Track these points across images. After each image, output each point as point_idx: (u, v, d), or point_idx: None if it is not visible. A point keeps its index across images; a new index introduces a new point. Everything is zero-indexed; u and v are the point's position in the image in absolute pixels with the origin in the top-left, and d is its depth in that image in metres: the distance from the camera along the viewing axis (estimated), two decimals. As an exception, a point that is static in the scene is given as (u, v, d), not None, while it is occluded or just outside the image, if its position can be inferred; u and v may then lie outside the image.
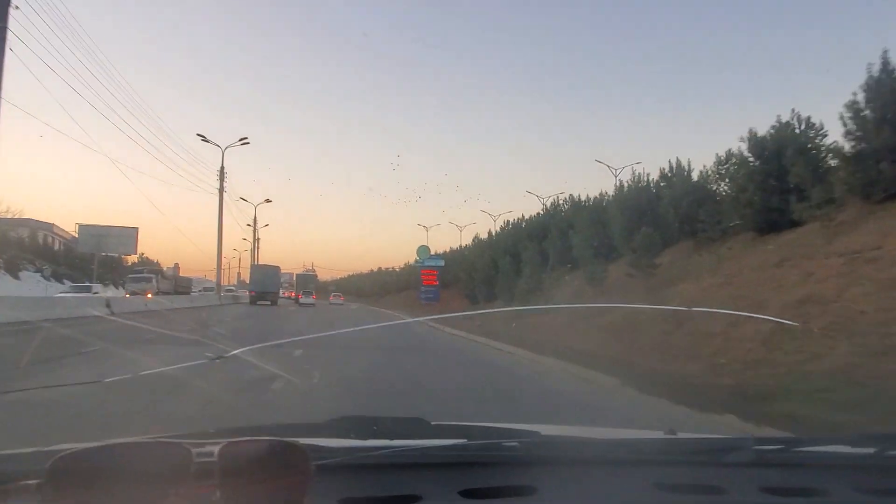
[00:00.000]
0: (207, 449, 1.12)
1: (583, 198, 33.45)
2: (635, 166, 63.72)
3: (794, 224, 15.61)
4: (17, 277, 49.97)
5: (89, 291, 35.55)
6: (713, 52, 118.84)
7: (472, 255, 41.44)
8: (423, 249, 48.77)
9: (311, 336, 14.98)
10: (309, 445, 1.31)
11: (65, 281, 60.09)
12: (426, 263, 47.78)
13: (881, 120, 12.74)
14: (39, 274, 53.60)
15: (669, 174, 24.57)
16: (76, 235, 54.84)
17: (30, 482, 1.22)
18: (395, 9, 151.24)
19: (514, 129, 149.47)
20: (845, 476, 1.53)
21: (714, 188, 20.44)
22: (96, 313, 23.10)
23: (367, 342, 14.72)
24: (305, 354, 11.63)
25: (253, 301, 49.74)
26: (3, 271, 47.52)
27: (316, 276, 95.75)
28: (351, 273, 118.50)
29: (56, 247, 69.71)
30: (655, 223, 21.25)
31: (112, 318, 21.69)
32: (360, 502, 1.33)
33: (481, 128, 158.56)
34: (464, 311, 34.44)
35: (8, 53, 16.78)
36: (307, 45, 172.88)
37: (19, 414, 5.17)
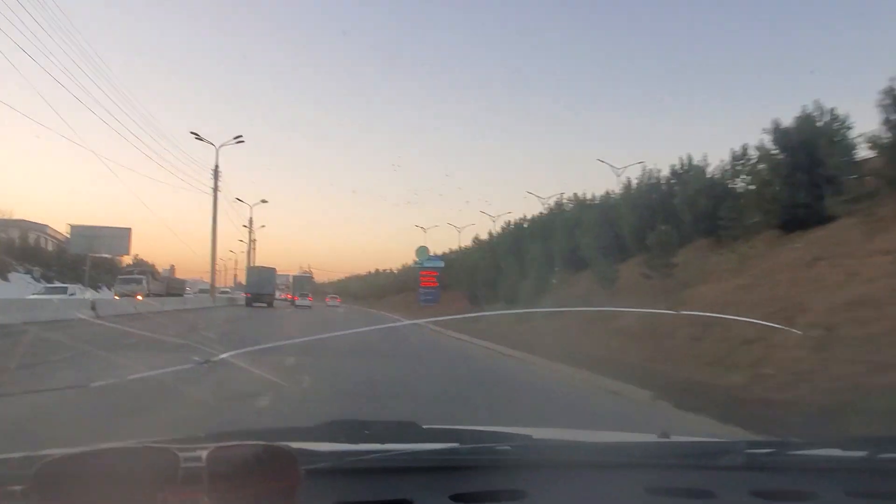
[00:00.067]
0: (195, 454, 1.13)
1: (587, 197, 32.49)
2: (641, 164, 62.77)
3: (824, 220, 14.57)
4: (6, 279, 48.95)
5: (65, 293, 34.19)
6: (713, 52, 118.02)
7: (473, 255, 40.32)
8: (421, 250, 47.65)
9: (304, 339, 13.86)
10: (299, 450, 1.34)
11: (55, 282, 59.28)
12: (425, 264, 46.69)
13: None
14: (29, 275, 52.57)
15: (681, 171, 23.58)
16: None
17: (15, 488, 1.19)
18: (394, 7, 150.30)
19: (513, 129, 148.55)
20: (837, 479, 1.53)
21: (730, 184, 19.37)
22: (80, 316, 22.01)
23: (365, 347, 13.64)
24: (299, 362, 10.56)
25: (248, 303, 48.94)
26: (-9, 273, 46.42)
27: (312, 277, 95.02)
28: (348, 275, 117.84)
29: (49, 248, 68.78)
30: (668, 221, 20.22)
31: (95, 321, 20.66)
32: None
33: (481, 128, 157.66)
34: (465, 313, 33.39)
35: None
36: (305, 43, 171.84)
37: (3, 419, 5.05)
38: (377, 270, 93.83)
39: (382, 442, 1.61)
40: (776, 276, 12.86)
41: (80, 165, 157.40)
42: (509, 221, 41.89)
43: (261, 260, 78.05)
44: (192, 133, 47.02)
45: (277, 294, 60.59)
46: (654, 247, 16.71)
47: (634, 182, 26.72)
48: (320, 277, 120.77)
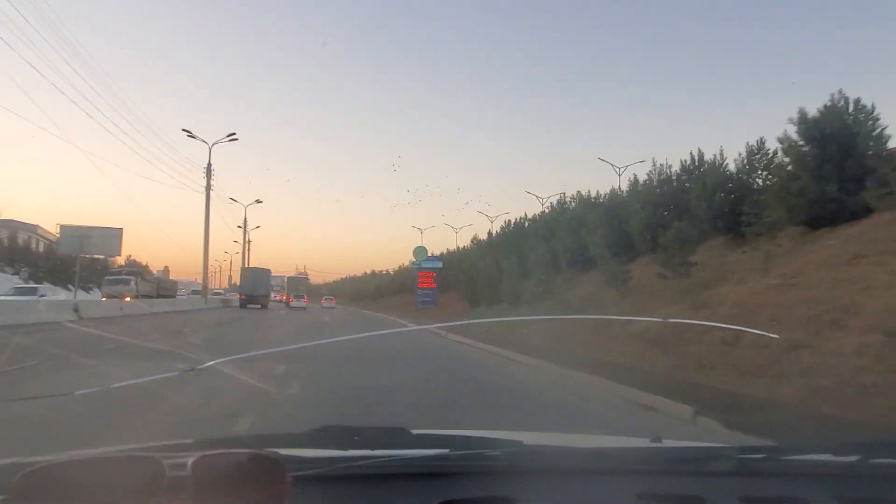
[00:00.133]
0: (180, 462, 1.12)
1: (591, 196, 31.43)
2: (643, 162, 61.94)
3: (854, 216, 13.55)
4: (-9, 279, 47.77)
5: (35, 294, 32.82)
6: (710, 51, 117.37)
7: (473, 256, 39.22)
8: (419, 250, 46.53)
9: (297, 346, 12.78)
10: (287, 456, 1.37)
11: (45, 283, 58.12)
12: (423, 265, 45.59)
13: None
14: (17, 276, 51.35)
15: (691, 167, 22.53)
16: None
17: None
18: (393, 6, 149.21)
19: (511, 129, 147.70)
20: (828, 485, 1.52)
21: (748, 179, 18.33)
22: (62, 319, 20.89)
23: (363, 354, 12.58)
24: (289, 372, 9.53)
25: (243, 304, 48.16)
26: (-25, 273, 45.18)
27: (308, 279, 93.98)
28: (344, 276, 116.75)
29: (40, 249, 67.65)
30: (681, 218, 19.19)
31: (75, 325, 19.53)
32: None
33: (480, 128, 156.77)
34: (465, 315, 32.36)
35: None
36: (304, 42, 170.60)
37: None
38: (373, 271, 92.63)
39: (372, 448, 1.57)
40: (811, 275, 11.80)
41: (75, 166, 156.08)
42: (509, 221, 40.95)
43: (256, 261, 77.07)
44: (184, 130, 46.03)
45: (272, 295, 59.96)
46: (670, 245, 15.64)
47: (642, 179, 25.80)
48: (316, 279, 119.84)
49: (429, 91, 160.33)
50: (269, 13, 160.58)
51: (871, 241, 11.77)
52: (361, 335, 15.03)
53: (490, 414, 7.17)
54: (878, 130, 14.51)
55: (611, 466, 1.60)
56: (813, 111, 15.39)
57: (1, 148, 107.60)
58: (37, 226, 73.44)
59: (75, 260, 47.58)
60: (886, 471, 1.60)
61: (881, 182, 12.23)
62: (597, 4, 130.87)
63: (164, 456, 1.14)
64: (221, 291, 72.02)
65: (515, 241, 33.69)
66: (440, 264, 45.70)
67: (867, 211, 13.12)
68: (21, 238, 64.89)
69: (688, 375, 9.30)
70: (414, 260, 47.08)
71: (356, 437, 1.69)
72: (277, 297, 66.15)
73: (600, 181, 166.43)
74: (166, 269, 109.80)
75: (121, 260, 72.30)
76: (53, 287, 42.07)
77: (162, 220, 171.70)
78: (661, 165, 21.76)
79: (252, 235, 72.33)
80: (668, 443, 2.00)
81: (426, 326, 13.20)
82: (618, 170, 44.19)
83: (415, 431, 1.84)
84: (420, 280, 45.15)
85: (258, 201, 69.86)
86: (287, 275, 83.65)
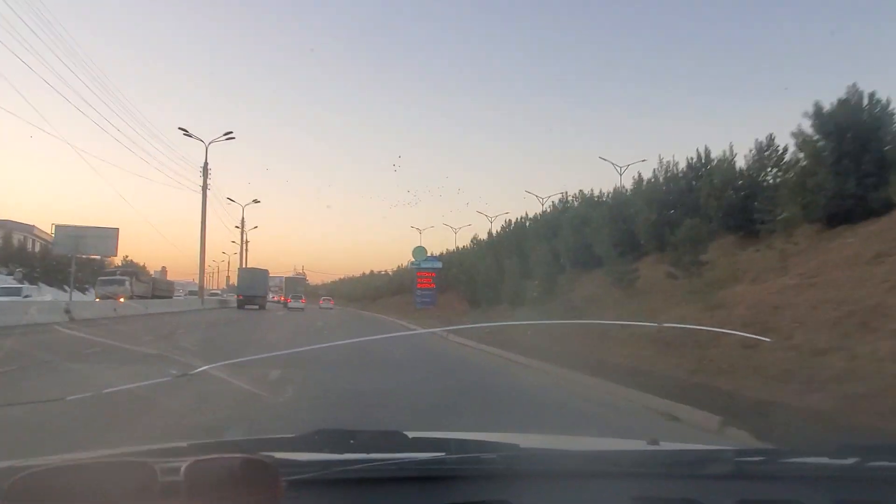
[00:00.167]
0: (173, 467, 1.12)
1: (594, 194, 30.91)
2: (644, 160, 61.53)
3: (873, 213, 13.04)
4: (-17, 280, 47.19)
5: (19, 294, 32.11)
6: (711, 51, 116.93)
7: (473, 256, 38.65)
8: (419, 250, 45.93)
9: (294, 350, 12.24)
10: (282, 460, 1.39)
11: (40, 284, 57.46)
12: (422, 265, 45.02)
13: None
14: (10, 277, 50.76)
15: (698, 164, 22.02)
16: (57, 237, 51.85)
17: None
18: (391, 6, 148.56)
19: (509, 129, 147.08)
20: (826, 488, 1.52)
21: (758, 176, 17.80)
22: (52, 320, 20.30)
23: (364, 359, 12.04)
24: (284, 377, 8.99)
25: (240, 305, 47.51)
26: (-31, 274, 44.57)
27: (306, 279, 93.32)
28: (342, 276, 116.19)
29: (36, 249, 67.09)
30: (688, 216, 18.68)
31: (66, 327, 18.95)
32: None
33: (480, 128, 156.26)
34: (465, 315, 31.79)
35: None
36: (302, 40, 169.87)
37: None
38: (371, 272, 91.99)
39: (368, 451, 1.57)
40: (832, 274, 11.27)
41: (72, 166, 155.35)
42: (509, 220, 40.42)
43: (254, 262, 76.75)
44: (180, 129, 45.33)
45: (270, 296, 59.47)
46: (680, 243, 15.09)
47: (646, 177, 25.31)
48: (314, 279, 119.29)
49: (428, 91, 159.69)
50: (268, 12, 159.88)
51: (892, 238, 11.26)
52: (361, 339, 14.47)
53: (502, 423, 6.62)
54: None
55: (607, 469, 1.57)
56: (821, 107, 14.92)
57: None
58: (33, 226, 72.78)
59: (71, 260, 47.14)
60: (884, 474, 1.58)
61: (882, 181, 11.69)
62: (595, 5, 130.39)
63: (158, 461, 1.15)
64: (218, 292, 71.38)
65: (516, 240, 33.16)
66: (439, 264, 45.14)
67: (887, 207, 12.61)
68: (17, 238, 64.36)
69: (708, 381, 8.74)
70: (413, 260, 46.51)
71: (351, 441, 1.67)
72: (275, 298, 65.81)
73: (600, 181, 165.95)
74: (164, 270, 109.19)
75: (117, 260, 71.91)
76: (39, 287, 41.38)
77: (159, 220, 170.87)
78: (668, 163, 21.20)
79: (250, 236, 71.96)
80: (664, 445, 1.99)
81: (433, 330, 12.53)
82: (619, 169, 43.68)
83: (411, 435, 1.79)
84: (419, 280, 44.58)
85: (256, 201, 69.24)
86: (285, 275, 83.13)
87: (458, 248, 53.85)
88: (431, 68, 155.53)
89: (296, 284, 67.92)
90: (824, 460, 1.66)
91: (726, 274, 15.35)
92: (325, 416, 6.69)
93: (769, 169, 17.82)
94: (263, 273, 54.07)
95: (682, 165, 22.48)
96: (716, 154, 19.77)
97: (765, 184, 17.47)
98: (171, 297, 49.69)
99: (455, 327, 18.99)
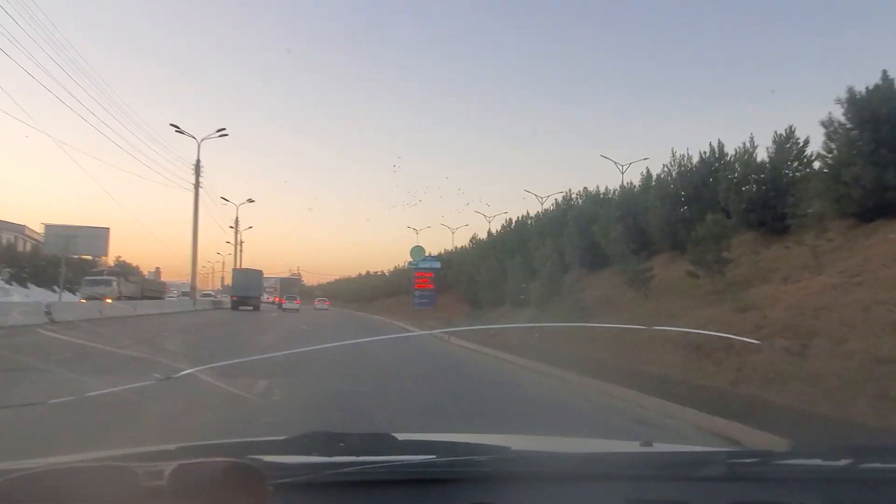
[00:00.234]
0: (157, 471, 1.10)
1: (600, 192, 29.84)
2: (646, 158, 60.70)
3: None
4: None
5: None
6: (709, 50, 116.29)
7: (474, 256, 37.52)
8: (417, 250, 44.82)
9: (285, 353, 11.16)
10: (270, 463, 1.38)
11: (29, 285, 56.23)
12: (421, 266, 43.93)
13: None
14: (-1, 278, 49.54)
15: (711, 158, 20.95)
16: (49, 237, 50.57)
17: None
18: (392, 5, 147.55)
19: (508, 128, 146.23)
20: (819, 489, 1.52)
21: (782, 169, 16.73)
22: (31, 322, 19.15)
23: (363, 366, 10.99)
24: (271, 388, 7.93)
25: (234, 306, 46.63)
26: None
27: (301, 280, 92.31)
28: (338, 277, 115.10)
29: (27, 249, 65.90)
30: (704, 213, 17.64)
31: (46, 329, 17.81)
32: None
33: (479, 128, 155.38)
34: (465, 317, 30.68)
35: None
36: (302, 40, 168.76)
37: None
38: (368, 273, 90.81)
39: (357, 454, 1.55)
40: (879, 272, 10.21)
41: (67, 166, 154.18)
42: (510, 219, 39.35)
43: (250, 263, 75.54)
44: (171, 125, 44.16)
45: (265, 297, 58.66)
46: (702, 240, 14.02)
47: (654, 173, 24.27)
48: (310, 280, 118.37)
49: (428, 91, 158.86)
50: (267, 11, 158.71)
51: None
52: (357, 341, 13.41)
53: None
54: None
55: (600, 472, 1.55)
56: (855, 93, 13.86)
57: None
58: (24, 226, 71.60)
59: (61, 260, 45.89)
60: (877, 475, 1.57)
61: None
62: (594, 5, 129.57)
63: (140, 465, 1.14)
64: (211, 293, 70.19)
65: (518, 240, 32.07)
66: (438, 265, 44.08)
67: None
68: (6, 238, 63.13)
69: (757, 393, 7.65)
70: (411, 260, 45.40)
71: (341, 444, 1.64)
72: (270, 299, 65.05)
73: (599, 181, 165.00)
74: (157, 271, 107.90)
75: (111, 261, 70.64)
76: (7, 286, 40.08)
77: (155, 221, 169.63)
78: (682, 156, 20.12)
79: (245, 236, 70.88)
80: (658, 447, 1.98)
81: (433, 332, 11.52)
82: (620, 167, 42.76)
83: (401, 437, 1.71)
84: (417, 281, 43.52)
85: (250, 200, 67.90)
86: (280, 276, 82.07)
87: (456, 248, 52.80)
88: (431, 68, 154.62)
89: (291, 285, 67.11)
90: (818, 462, 1.65)
91: (751, 273, 14.29)
92: (315, 421, 6.34)
93: (791, 163, 16.75)
94: (258, 274, 53.33)
95: (695, 160, 21.45)
96: (731, 148, 18.62)
97: (787, 178, 16.41)
98: (162, 298, 48.46)
99: (461, 328, 17.80)
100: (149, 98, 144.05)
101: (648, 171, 25.14)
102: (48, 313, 21.48)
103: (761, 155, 16.55)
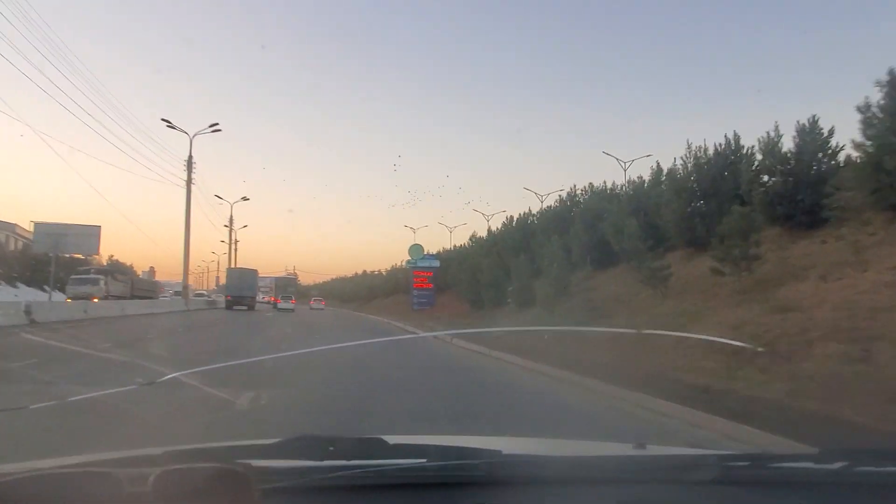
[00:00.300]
0: (141, 476, 1.09)
1: (607, 187, 28.75)
2: (649, 155, 59.82)
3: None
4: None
5: None
6: (708, 50, 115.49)
7: (475, 254, 36.44)
8: (415, 248, 43.72)
9: (275, 355, 10.09)
10: (259, 468, 1.34)
11: (18, 284, 55.02)
12: (419, 264, 42.85)
13: None
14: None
15: (727, 150, 19.89)
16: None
17: None
18: (393, 5, 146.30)
19: (506, 128, 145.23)
20: (811, 493, 1.52)
21: (811, 160, 15.66)
22: (8, 323, 18.00)
23: (365, 375, 9.91)
24: (257, 404, 6.88)
25: (229, 306, 45.78)
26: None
27: (297, 279, 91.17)
28: (334, 277, 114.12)
29: (18, 248, 64.76)
30: (722, 207, 16.59)
31: (24, 331, 16.67)
32: None
33: (478, 127, 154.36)
34: (465, 317, 29.60)
35: None
36: (300, 39, 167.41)
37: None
38: (365, 272, 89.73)
39: (348, 459, 1.50)
40: (939, 269, 9.16)
41: (63, 166, 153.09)
42: (511, 217, 38.26)
43: (245, 262, 74.66)
44: (163, 120, 42.99)
45: (260, 297, 57.81)
46: (729, 235, 12.94)
47: (666, 167, 23.21)
48: (306, 279, 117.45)
49: (428, 91, 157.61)
50: (266, 10, 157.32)
51: None
52: (354, 343, 12.32)
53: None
54: None
55: (592, 475, 1.53)
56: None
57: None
58: (15, 224, 70.42)
59: (51, 259, 44.68)
60: (869, 479, 1.56)
61: None
62: (592, 5, 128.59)
63: (124, 470, 1.12)
64: (204, 292, 69.10)
65: (521, 238, 30.99)
66: (437, 263, 43.03)
67: None
68: (-4, 237, 62.02)
69: (824, 409, 6.54)
70: (410, 259, 44.31)
71: (331, 448, 1.60)
72: (266, 299, 64.21)
73: (600, 179, 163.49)
74: (152, 270, 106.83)
75: (103, 260, 69.38)
76: (18, 287, 38.91)
77: (152, 221, 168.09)
78: (699, 148, 19.03)
79: (241, 236, 69.78)
80: (651, 449, 1.96)
81: (436, 334, 10.58)
82: (623, 164, 41.81)
83: (391, 441, 1.70)
84: (416, 280, 42.52)
85: (244, 198, 66.88)
86: (275, 276, 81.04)
87: (455, 246, 51.73)
88: (430, 68, 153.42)
89: (286, 285, 65.93)
90: (810, 465, 1.64)
91: (780, 270, 13.23)
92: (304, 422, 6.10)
93: (820, 153, 15.68)
94: (252, 273, 52.49)
95: (709, 153, 20.38)
96: (772, 134, 17.49)
97: (816, 169, 15.34)
98: (153, 298, 47.28)
99: (471, 331, 16.66)
100: (148, 98, 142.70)
101: (658, 164, 24.04)
102: (28, 313, 20.30)
103: (797, 143, 15.42)
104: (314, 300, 67.50)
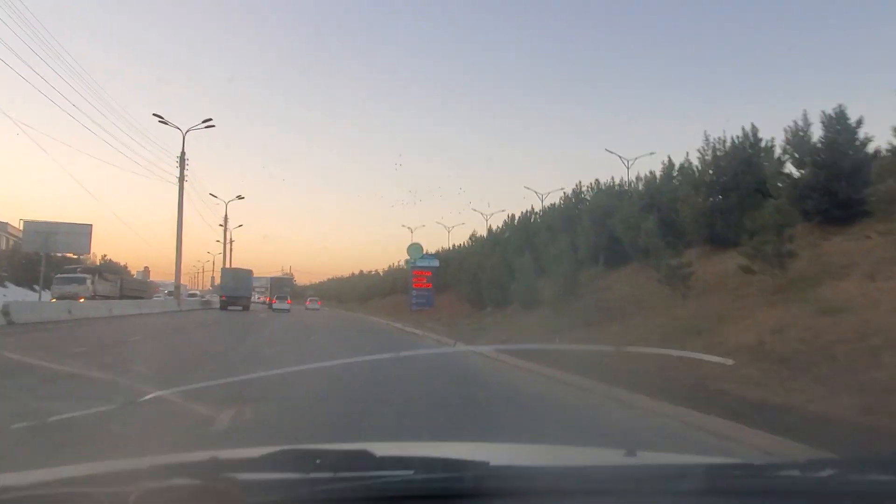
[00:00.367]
0: (122, 496, 1.06)
1: (615, 183, 27.72)
2: (652, 153, 58.86)
3: None
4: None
5: None
6: (706, 49, 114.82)
7: (477, 254, 35.38)
8: (414, 248, 42.52)
9: (264, 374, 9.01)
10: (244, 481, 1.32)
11: (7, 283, 53.87)
12: (418, 264, 41.70)
13: None
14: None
15: (745, 143, 18.86)
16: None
17: None
18: (393, 5, 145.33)
19: (506, 128, 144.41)
20: (800, 502, 1.51)
21: (841, 152, 14.64)
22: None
23: (361, 381, 8.86)
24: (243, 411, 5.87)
25: (223, 306, 45.04)
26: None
27: (293, 280, 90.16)
28: (330, 277, 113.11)
29: (9, 247, 63.67)
30: (743, 201, 15.58)
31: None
32: None
33: (477, 127, 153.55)
34: (466, 317, 28.55)
35: None
36: (300, 39, 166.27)
37: None
38: (361, 272, 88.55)
39: (335, 471, 1.48)
40: None
41: (59, 166, 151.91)
42: (512, 215, 37.19)
43: (241, 262, 73.59)
44: (155, 115, 41.78)
45: (255, 297, 56.92)
46: (760, 230, 11.89)
47: (678, 163, 22.20)
48: (302, 280, 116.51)
49: (428, 91, 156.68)
50: (265, 10, 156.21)
51: None
52: (361, 359, 11.16)
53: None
54: None
55: (580, 486, 1.50)
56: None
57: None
58: (6, 223, 69.23)
59: (41, 258, 43.51)
60: (860, 487, 1.54)
61: None
62: (591, 5, 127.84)
63: (106, 490, 1.11)
64: (196, 293, 68.03)
65: (525, 236, 29.94)
66: (437, 263, 41.90)
67: None
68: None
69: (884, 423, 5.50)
70: (408, 258, 43.19)
71: (317, 460, 1.56)
72: (261, 299, 63.25)
73: (600, 178, 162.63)
74: (146, 270, 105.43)
75: (96, 259, 68.26)
76: (6, 286, 37.73)
77: (148, 221, 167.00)
78: (717, 140, 17.97)
79: (237, 235, 68.65)
80: (642, 456, 1.95)
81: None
82: (626, 162, 40.90)
83: (378, 453, 1.64)
84: (415, 280, 41.32)
85: (239, 197, 65.52)
86: (271, 276, 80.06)
87: (454, 246, 50.66)
88: (430, 68, 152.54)
89: (282, 285, 64.98)
90: (801, 474, 1.63)
91: (814, 267, 12.17)
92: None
93: (851, 143, 14.66)
94: (247, 273, 51.65)
95: (727, 145, 19.36)
96: (801, 123, 16.46)
97: (849, 160, 14.32)
98: (145, 298, 46.15)
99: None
100: (145, 97, 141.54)
101: (670, 159, 23.00)
102: (6, 314, 19.16)
103: (826, 133, 14.39)
104: (310, 300, 66.50)
